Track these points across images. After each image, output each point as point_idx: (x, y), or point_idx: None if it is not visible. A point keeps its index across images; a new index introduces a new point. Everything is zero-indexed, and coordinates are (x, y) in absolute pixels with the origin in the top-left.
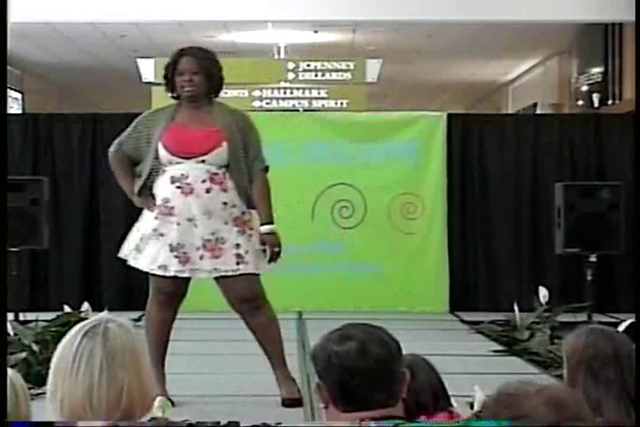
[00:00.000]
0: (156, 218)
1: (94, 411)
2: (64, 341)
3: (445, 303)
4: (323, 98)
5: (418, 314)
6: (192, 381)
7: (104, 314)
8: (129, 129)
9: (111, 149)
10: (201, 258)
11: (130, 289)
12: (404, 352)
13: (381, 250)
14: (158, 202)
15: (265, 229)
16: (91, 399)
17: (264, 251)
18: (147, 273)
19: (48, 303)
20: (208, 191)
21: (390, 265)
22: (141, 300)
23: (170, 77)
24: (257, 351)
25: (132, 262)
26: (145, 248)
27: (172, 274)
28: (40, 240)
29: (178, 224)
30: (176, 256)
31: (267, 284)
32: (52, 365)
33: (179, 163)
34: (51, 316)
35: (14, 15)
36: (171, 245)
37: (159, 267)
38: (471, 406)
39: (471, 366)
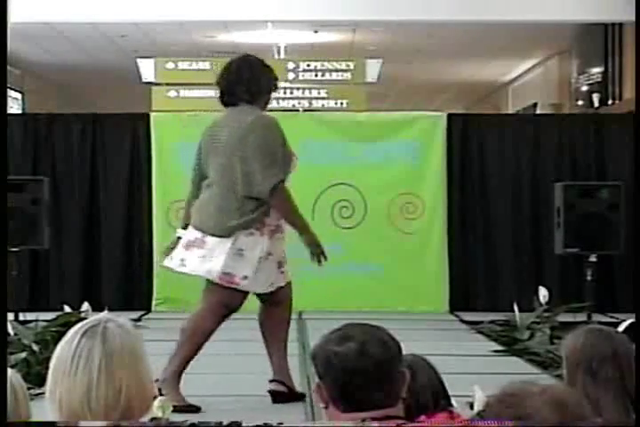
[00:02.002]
0: (270, 239)
1: (93, 411)
2: (63, 341)
3: (445, 303)
4: (323, 98)
5: (418, 314)
6: (192, 381)
7: (104, 314)
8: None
9: (281, 184)
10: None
11: (130, 289)
12: (404, 352)
13: (381, 250)
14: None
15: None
16: (89, 399)
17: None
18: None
19: (48, 303)
20: None
21: (390, 265)
22: (141, 300)
23: (269, 92)
24: (257, 351)
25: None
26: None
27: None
28: (40, 240)
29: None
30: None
31: None
32: (51, 364)
33: None
34: (51, 316)
35: (14, 15)
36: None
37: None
38: (471, 406)
39: (471, 366)
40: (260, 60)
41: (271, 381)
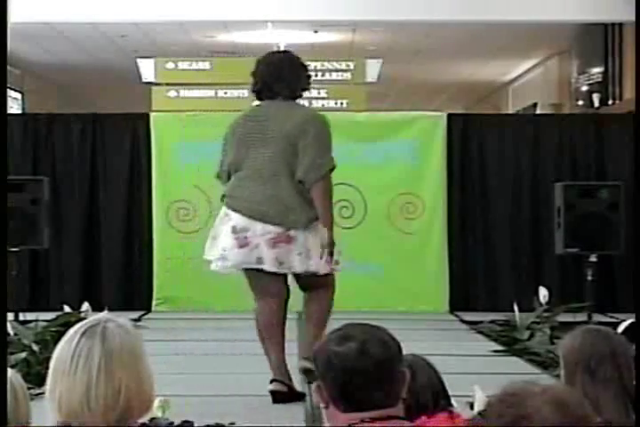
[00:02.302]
0: None
1: (92, 410)
2: (63, 340)
3: (445, 303)
4: (323, 98)
5: (418, 314)
6: (192, 381)
7: (104, 314)
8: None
9: (329, 172)
10: None
11: (130, 289)
12: (404, 352)
13: (381, 250)
14: None
15: None
16: (88, 399)
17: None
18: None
19: (48, 303)
20: None
21: (390, 265)
22: (141, 300)
23: (305, 90)
24: (257, 351)
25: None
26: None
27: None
28: (40, 240)
29: None
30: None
31: None
32: (51, 364)
33: None
34: (51, 316)
35: (14, 15)
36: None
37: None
38: (471, 406)
39: (471, 366)
40: (299, 57)
41: (272, 381)
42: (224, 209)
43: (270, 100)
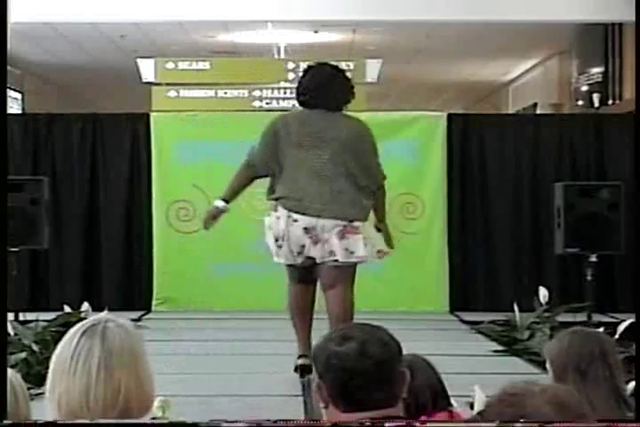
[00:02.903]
0: None
1: (91, 410)
2: (63, 340)
3: (445, 303)
4: None
5: (418, 314)
6: (192, 381)
7: (104, 314)
8: None
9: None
10: None
11: (130, 289)
12: (404, 352)
13: None
14: None
15: None
16: (87, 398)
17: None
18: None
19: (48, 303)
20: None
21: (390, 265)
22: (141, 300)
23: (349, 102)
24: (257, 351)
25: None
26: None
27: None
28: (40, 240)
29: None
30: None
31: (267, 284)
32: (51, 363)
33: None
34: (51, 316)
35: (14, 15)
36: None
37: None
38: (471, 406)
39: (471, 366)
40: (344, 71)
41: (299, 356)
42: (284, 211)
43: (316, 108)
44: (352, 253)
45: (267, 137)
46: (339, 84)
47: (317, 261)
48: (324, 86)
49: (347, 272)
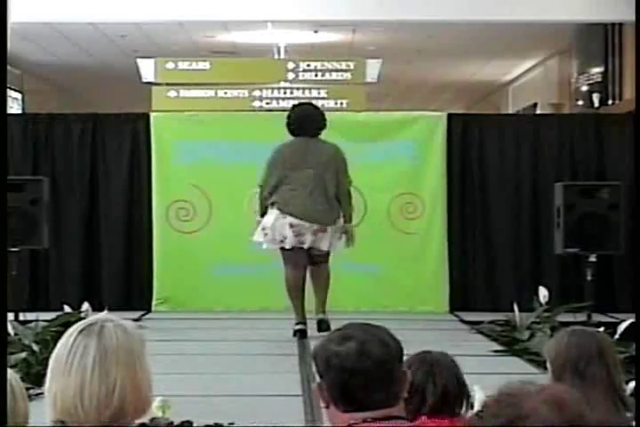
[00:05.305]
0: None
1: (85, 408)
2: (62, 339)
3: (445, 303)
4: (322, 98)
5: (418, 314)
6: (192, 381)
7: (104, 314)
8: None
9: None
10: None
11: (130, 289)
12: (404, 352)
13: (381, 250)
14: None
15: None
16: (82, 396)
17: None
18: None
19: (48, 303)
20: None
21: (390, 265)
22: (141, 300)
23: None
24: (257, 351)
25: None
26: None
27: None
28: (40, 240)
29: None
30: None
31: (267, 284)
32: (50, 362)
33: None
34: (51, 316)
35: (14, 15)
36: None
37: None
38: (471, 406)
39: (471, 366)
40: (318, 107)
41: (297, 323)
42: (276, 211)
43: (301, 136)
44: (319, 246)
45: (272, 167)
46: (315, 116)
47: (289, 246)
48: (306, 120)
49: (322, 257)
